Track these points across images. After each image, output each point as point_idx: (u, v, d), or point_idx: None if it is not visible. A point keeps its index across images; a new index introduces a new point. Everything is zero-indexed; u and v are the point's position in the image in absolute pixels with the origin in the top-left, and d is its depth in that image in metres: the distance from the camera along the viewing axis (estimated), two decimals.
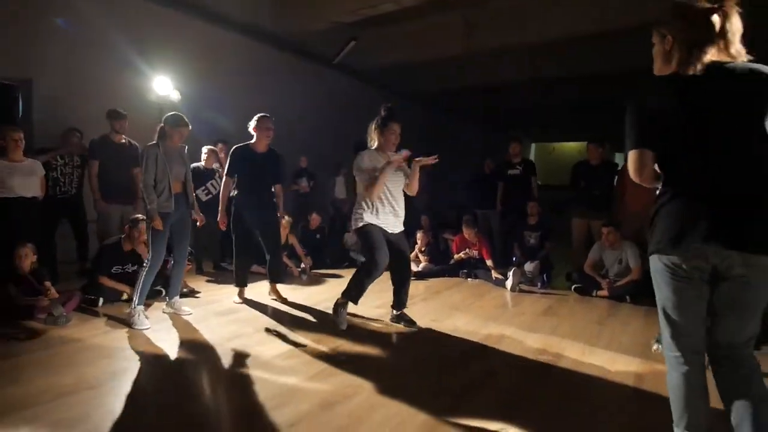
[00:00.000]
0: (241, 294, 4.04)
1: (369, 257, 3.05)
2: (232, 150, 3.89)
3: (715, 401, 1.68)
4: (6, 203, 3.78)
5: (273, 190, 4.02)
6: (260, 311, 3.76)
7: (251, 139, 3.86)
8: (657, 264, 1.56)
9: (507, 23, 7.08)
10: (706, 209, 1.42)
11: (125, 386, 2.31)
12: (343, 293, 3.18)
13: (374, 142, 3.14)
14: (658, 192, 1.62)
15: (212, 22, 6.32)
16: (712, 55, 1.49)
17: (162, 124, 3.36)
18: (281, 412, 2.07)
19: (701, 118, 1.48)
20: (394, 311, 3.48)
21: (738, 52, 1.50)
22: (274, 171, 3.96)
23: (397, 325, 3.43)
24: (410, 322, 3.42)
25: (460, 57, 7.91)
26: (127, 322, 3.21)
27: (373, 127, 3.13)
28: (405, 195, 3.32)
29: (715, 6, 1.48)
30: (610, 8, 6.13)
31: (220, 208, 3.94)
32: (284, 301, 4.04)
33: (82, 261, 4.65)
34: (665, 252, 1.50)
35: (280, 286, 4.16)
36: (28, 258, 3.49)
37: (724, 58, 1.49)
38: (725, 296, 1.48)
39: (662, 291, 1.57)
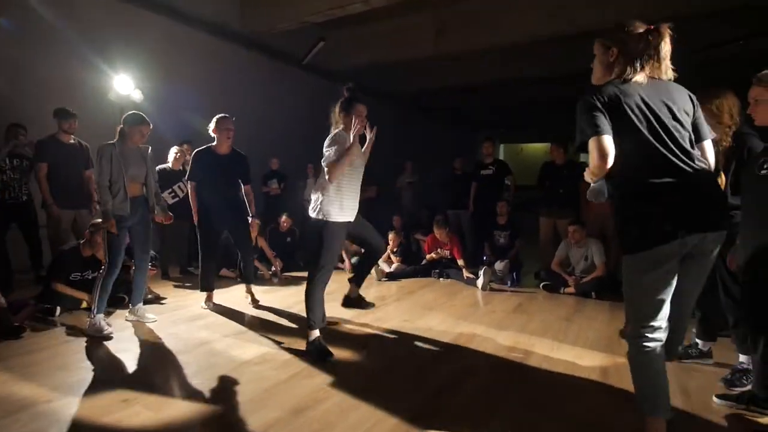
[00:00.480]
0: (208, 299, 3.93)
1: (320, 263, 2.76)
2: (193, 153, 3.81)
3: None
4: None
5: (241, 191, 3.94)
6: (229, 316, 3.67)
7: (213, 141, 3.79)
8: (636, 259, 1.69)
9: (477, 24, 7.18)
10: (674, 204, 1.63)
11: (84, 399, 2.20)
12: (309, 324, 2.80)
13: (340, 126, 2.83)
14: (612, 192, 1.76)
15: (177, 20, 6.13)
16: (649, 69, 1.71)
17: (122, 125, 3.21)
18: (251, 420, 2.02)
19: (647, 119, 1.66)
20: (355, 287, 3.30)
21: (666, 69, 1.73)
22: (240, 172, 3.89)
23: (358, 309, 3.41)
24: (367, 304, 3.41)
25: (431, 57, 7.96)
26: (87, 333, 3.06)
27: (337, 110, 2.84)
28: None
29: (651, 27, 1.71)
30: (579, 10, 6.30)
31: (193, 210, 3.85)
32: (256, 304, 3.97)
33: (36, 268, 4.41)
34: (648, 247, 1.65)
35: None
36: None
37: (656, 73, 1.72)
38: (697, 269, 1.74)
39: (643, 283, 1.70)
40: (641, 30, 1.71)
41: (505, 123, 15.78)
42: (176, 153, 5.05)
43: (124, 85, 5.21)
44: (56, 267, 3.74)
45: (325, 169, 2.69)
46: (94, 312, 3.08)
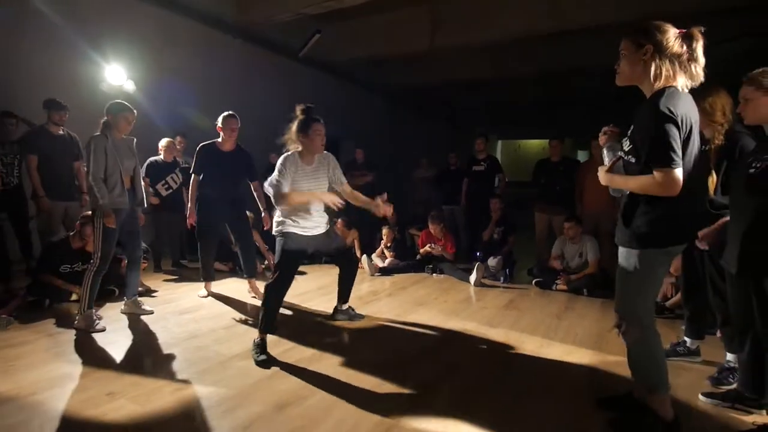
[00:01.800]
0: (207, 288, 4.04)
1: (278, 275, 2.77)
2: (198, 148, 3.83)
3: None
4: None
5: (242, 187, 3.96)
6: (219, 309, 3.66)
7: (218, 137, 3.80)
8: (658, 254, 1.79)
9: (474, 19, 7.11)
10: (690, 215, 1.84)
11: (68, 392, 2.19)
12: (260, 329, 2.72)
13: (297, 147, 2.85)
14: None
15: (171, 10, 6.05)
16: (686, 73, 1.68)
17: (106, 116, 3.15)
18: (233, 415, 2.01)
19: (691, 148, 1.72)
20: (337, 306, 3.46)
21: (700, 74, 1.69)
22: (244, 168, 3.92)
23: (341, 321, 3.43)
24: (354, 316, 3.47)
25: (427, 52, 7.89)
26: (77, 327, 3.02)
27: (294, 130, 2.83)
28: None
29: (684, 30, 1.69)
30: (578, 6, 6.25)
31: (189, 206, 3.95)
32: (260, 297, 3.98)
33: (27, 259, 4.37)
34: (671, 244, 1.80)
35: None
36: None
37: (691, 77, 1.70)
38: None
39: (654, 274, 1.84)
40: (677, 30, 1.67)
41: (503, 119, 15.72)
42: (165, 144, 4.99)
43: (116, 75, 5.15)
44: (46, 259, 3.72)
45: (272, 192, 2.73)
46: (84, 307, 3.04)
